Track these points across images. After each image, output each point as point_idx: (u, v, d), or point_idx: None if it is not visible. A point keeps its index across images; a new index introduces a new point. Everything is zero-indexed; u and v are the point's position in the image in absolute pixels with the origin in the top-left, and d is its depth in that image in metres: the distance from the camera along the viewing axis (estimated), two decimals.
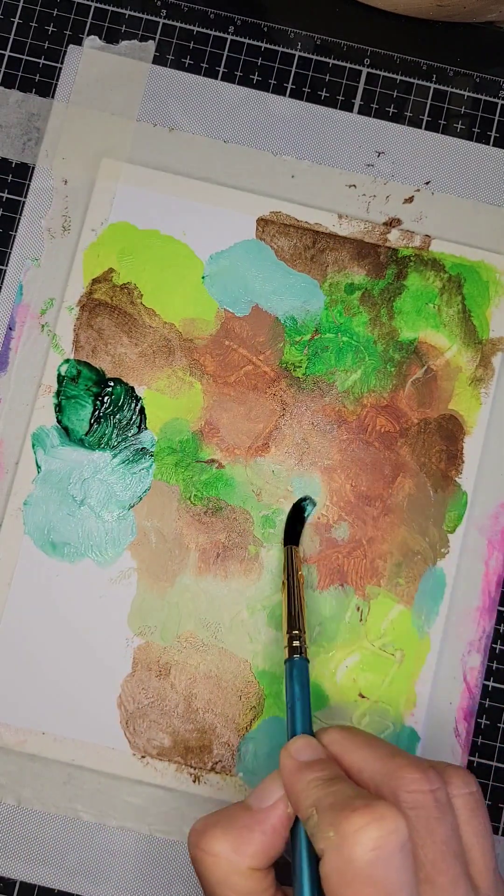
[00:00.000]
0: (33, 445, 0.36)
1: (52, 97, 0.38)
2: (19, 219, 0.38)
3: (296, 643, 0.32)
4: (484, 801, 0.28)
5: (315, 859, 0.26)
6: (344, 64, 0.39)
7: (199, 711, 0.35)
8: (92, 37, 0.39)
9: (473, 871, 0.26)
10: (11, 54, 0.39)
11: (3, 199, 0.38)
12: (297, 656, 0.32)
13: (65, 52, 0.39)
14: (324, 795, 0.26)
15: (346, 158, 0.38)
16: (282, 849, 0.27)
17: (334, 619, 0.36)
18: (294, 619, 0.33)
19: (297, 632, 0.32)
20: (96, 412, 0.36)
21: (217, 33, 0.39)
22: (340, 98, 0.39)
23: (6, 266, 0.37)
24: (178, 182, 0.37)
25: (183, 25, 0.39)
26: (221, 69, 0.39)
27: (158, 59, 0.39)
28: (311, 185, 0.38)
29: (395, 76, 0.39)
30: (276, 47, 0.39)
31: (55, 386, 0.36)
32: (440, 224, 0.38)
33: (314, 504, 0.36)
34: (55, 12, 0.39)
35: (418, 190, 0.38)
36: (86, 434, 0.36)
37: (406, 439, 0.37)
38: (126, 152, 0.38)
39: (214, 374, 0.37)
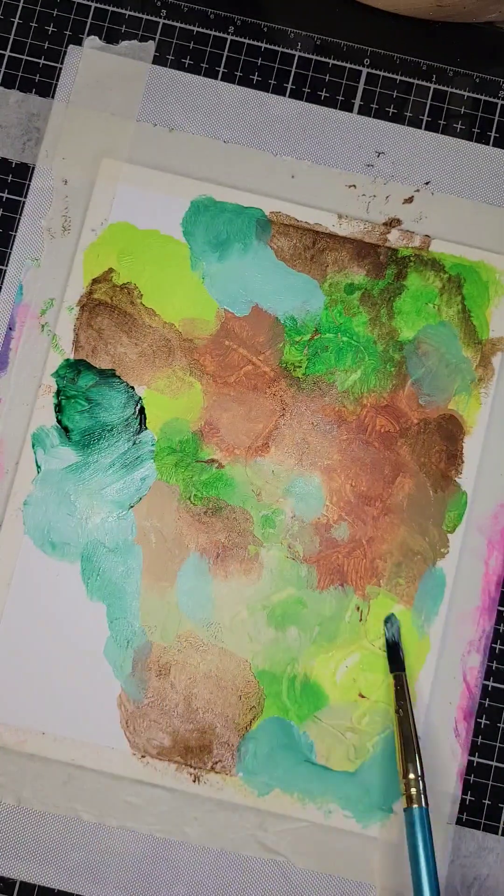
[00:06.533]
0: (33, 445, 0.36)
1: (52, 97, 0.38)
2: (19, 219, 0.38)
3: (413, 790, 0.28)
4: None
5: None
6: (344, 64, 0.39)
7: (199, 711, 0.35)
8: (92, 37, 0.39)
9: None
10: (11, 54, 0.39)
11: (3, 199, 0.38)
12: (415, 806, 0.28)
13: (65, 52, 0.39)
14: None
15: (346, 158, 0.38)
16: None
17: (334, 619, 0.36)
18: (411, 757, 0.29)
19: (414, 776, 0.29)
20: None
21: (217, 33, 0.39)
22: (340, 98, 0.39)
23: (6, 266, 0.37)
24: (178, 182, 0.37)
25: (183, 25, 0.39)
26: (221, 69, 0.39)
27: (158, 60, 0.39)
28: (311, 185, 0.38)
29: (395, 76, 0.39)
30: (276, 47, 0.39)
31: (55, 386, 0.36)
32: (440, 224, 0.38)
33: (396, 620, 0.34)
34: (55, 12, 0.39)
35: (418, 190, 0.38)
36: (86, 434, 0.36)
37: (406, 439, 0.37)
38: (126, 152, 0.38)
39: (214, 374, 0.37)
